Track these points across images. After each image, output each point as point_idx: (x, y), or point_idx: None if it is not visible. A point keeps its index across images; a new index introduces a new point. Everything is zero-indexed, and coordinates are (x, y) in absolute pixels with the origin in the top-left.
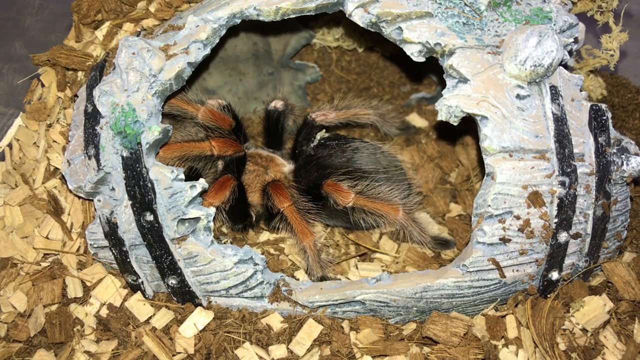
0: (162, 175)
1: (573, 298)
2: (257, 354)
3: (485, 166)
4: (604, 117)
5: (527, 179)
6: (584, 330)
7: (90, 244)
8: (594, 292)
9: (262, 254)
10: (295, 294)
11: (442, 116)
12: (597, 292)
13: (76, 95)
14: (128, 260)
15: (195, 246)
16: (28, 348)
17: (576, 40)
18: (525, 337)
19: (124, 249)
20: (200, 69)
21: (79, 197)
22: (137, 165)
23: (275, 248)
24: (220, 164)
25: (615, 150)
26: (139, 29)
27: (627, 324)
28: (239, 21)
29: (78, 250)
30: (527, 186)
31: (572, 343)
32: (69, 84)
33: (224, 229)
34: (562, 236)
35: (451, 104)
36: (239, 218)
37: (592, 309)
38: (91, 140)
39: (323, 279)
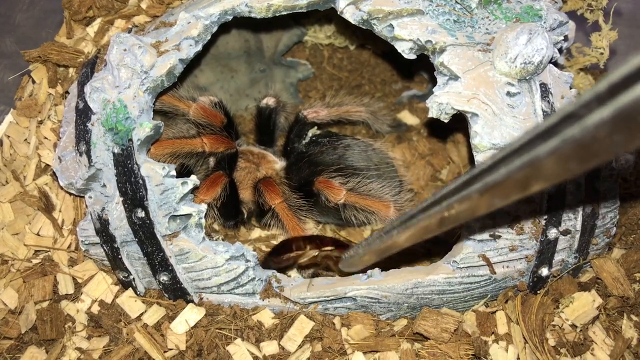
0: (154, 171)
1: (563, 294)
2: (248, 350)
3: (476, 163)
4: None
5: None
6: (574, 326)
7: (82, 241)
8: (583, 288)
9: (254, 250)
10: (286, 291)
11: (433, 113)
12: (586, 288)
13: (67, 92)
14: (119, 256)
15: (187, 243)
16: (19, 345)
17: (566, 38)
18: (515, 332)
19: (115, 246)
20: (192, 65)
21: (70, 194)
22: (129, 162)
23: (266, 245)
24: (211, 161)
25: None
26: (130, 26)
27: (615, 319)
28: (230, 18)
29: (69, 247)
30: None
31: (561, 339)
32: (60, 81)
33: (216, 226)
34: (552, 233)
35: (442, 101)
36: (230, 215)
37: (582, 305)
38: (82, 136)
39: (314, 275)
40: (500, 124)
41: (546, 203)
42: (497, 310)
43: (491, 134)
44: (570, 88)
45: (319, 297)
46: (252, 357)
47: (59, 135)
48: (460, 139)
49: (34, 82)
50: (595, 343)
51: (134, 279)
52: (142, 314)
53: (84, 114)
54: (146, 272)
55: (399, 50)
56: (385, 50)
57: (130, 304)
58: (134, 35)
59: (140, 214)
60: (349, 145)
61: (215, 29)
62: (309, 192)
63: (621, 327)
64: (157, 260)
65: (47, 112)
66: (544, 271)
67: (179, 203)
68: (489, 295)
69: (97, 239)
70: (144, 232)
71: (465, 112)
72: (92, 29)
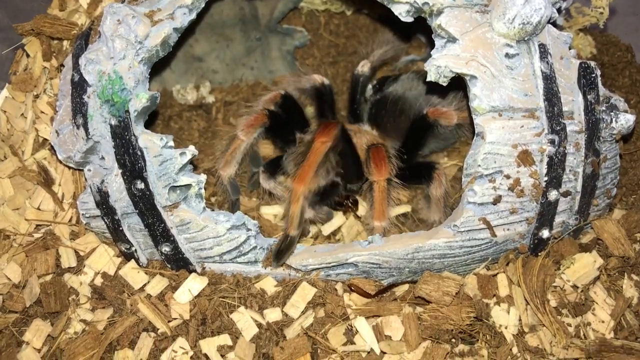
0: (152, 142)
1: (563, 255)
2: (252, 317)
3: (475, 126)
4: (593, 75)
5: (516, 138)
6: (575, 286)
7: (82, 214)
8: (584, 250)
9: (257, 219)
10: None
11: (431, 76)
12: (587, 249)
13: (62, 65)
14: (120, 228)
15: (188, 213)
16: (24, 318)
17: None
18: (516, 294)
19: (116, 218)
20: (187, 35)
21: (69, 168)
22: (126, 134)
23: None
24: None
25: (604, 108)
26: None
27: (616, 279)
28: None
29: (70, 220)
30: (516, 145)
31: (562, 299)
32: (54, 54)
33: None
34: (552, 194)
35: (440, 64)
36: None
37: (583, 266)
38: (79, 109)
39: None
40: (499, 85)
41: (546, 165)
42: (498, 273)
43: (490, 96)
44: (570, 48)
45: (321, 263)
46: (256, 325)
47: (56, 109)
48: None
49: (28, 56)
50: (596, 303)
51: (136, 250)
52: (145, 284)
53: (79, 86)
54: (148, 243)
55: (396, 13)
56: (382, 14)
57: (133, 275)
58: (127, 5)
59: (140, 185)
60: (413, 78)
61: None
62: (421, 132)
63: (622, 286)
64: (158, 231)
65: (42, 85)
66: (545, 233)
67: (178, 174)
68: (490, 258)
69: (97, 212)
70: (144, 204)
71: (463, 74)
72: (84, 1)
